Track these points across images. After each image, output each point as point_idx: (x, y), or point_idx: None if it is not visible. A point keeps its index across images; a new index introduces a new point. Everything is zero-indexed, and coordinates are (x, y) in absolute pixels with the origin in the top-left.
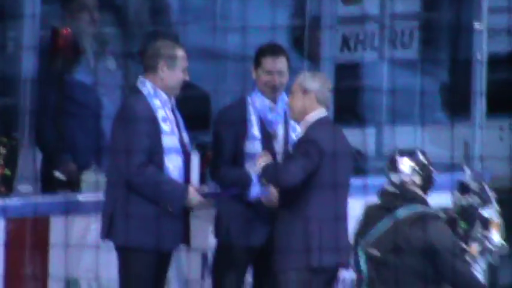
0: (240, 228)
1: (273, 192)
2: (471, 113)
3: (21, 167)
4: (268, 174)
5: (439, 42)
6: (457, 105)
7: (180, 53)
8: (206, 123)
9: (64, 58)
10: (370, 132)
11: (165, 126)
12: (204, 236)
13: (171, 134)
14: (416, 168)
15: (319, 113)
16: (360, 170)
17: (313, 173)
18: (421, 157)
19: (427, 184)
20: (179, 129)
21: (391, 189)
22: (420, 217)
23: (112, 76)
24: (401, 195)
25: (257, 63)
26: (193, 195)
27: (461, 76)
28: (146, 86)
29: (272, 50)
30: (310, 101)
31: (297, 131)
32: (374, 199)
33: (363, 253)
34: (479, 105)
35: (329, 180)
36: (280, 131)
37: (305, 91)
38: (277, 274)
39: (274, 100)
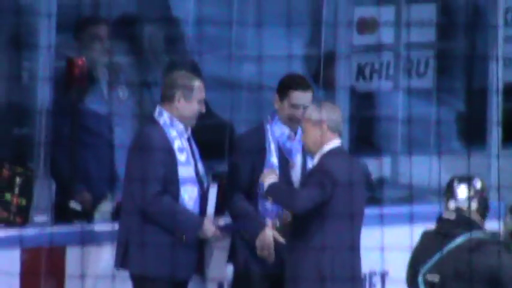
0: (257, 256)
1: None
2: (487, 142)
3: (36, 197)
4: (277, 195)
5: (454, 71)
6: (472, 134)
7: (197, 84)
8: (223, 152)
9: (78, 88)
10: (386, 161)
11: (181, 157)
12: (220, 265)
13: (186, 164)
14: (474, 194)
15: (333, 143)
16: (376, 199)
17: (325, 202)
18: (478, 184)
19: (484, 210)
20: (195, 160)
21: (448, 215)
22: (480, 243)
23: (125, 105)
24: (459, 221)
25: (283, 94)
26: (208, 227)
27: (476, 105)
28: (163, 116)
29: (301, 84)
30: (322, 132)
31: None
32: (390, 229)
33: (422, 280)
34: (495, 134)
35: (342, 210)
36: (298, 160)
37: (315, 123)
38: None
39: (295, 131)
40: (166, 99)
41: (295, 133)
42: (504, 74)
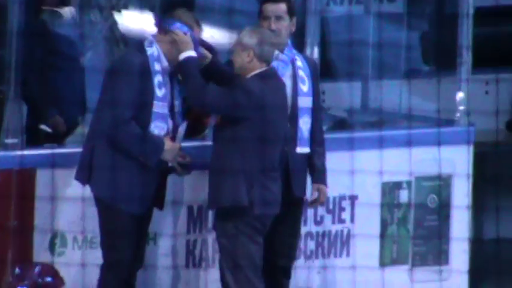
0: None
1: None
2: (457, 67)
3: (7, 120)
4: (189, 76)
5: None
6: (443, 59)
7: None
8: None
9: (50, 11)
10: (356, 86)
11: (158, 92)
12: (190, 190)
13: (162, 100)
14: None
15: (261, 69)
16: (346, 124)
17: (238, 119)
18: None
19: None
20: (172, 97)
21: None
22: None
23: (97, 29)
24: None
25: (260, 11)
26: (169, 147)
27: (447, 30)
28: (152, 47)
29: None
30: (249, 58)
31: (306, 83)
32: (360, 153)
33: None
34: (465, 59)
35: (268, 133)
36: (288, 83)
37: (244, 47)
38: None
39: (281, 50)
40: (162, 31)
41: (282, 51)
42: None
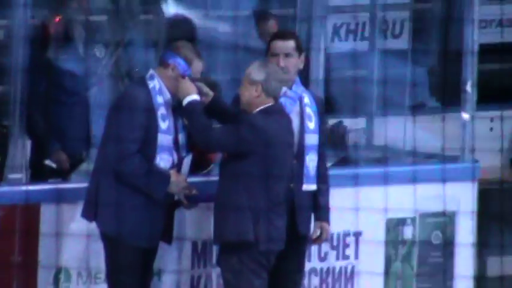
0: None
1: None
2: (462, 103)
3: (11, 156)
4: (193, 118)
5: (430, 33)
6: (447, 95)
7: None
8: None
9: (54, 46)
10: (361, 122)
11: (162, 124)
12: (195, 225)
13: (167, 132)
14: None
15: (267, 104)
16: (351, 160)
17: (243, 155)
18: None
19: None
20: (176, 130)
21: None
22: None
23: (101, 65)
24: None
25: (268, 49)
26: (176, 178)
27: (451, 66)
28: (154, 81)
29: (280, 33)
30: (257, 93)
31: (313, 120)
32: (364, 190)
33: None
34: (470, 96)
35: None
36: (295, 120)
37: (252, 82)
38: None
39: (289, 86)
40: (162, 63)
41: (290, 88)
42: (479, 35)
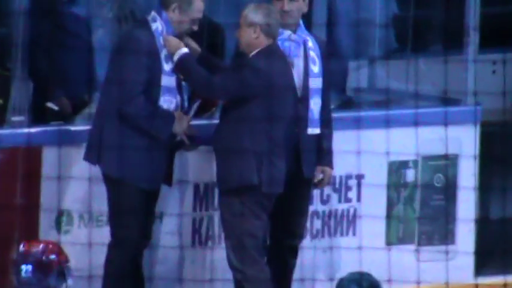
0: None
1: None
2: (464, 46)
3: (14, 98)
4: (190, 73)
5: None
6: (450, 39)
7: (197, 2)
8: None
9: None
10: (363, 65)
11: (166, 66)
12: (196, 168)
13: (170, 74)
14: None
15: (267, 44)
16: (353, 103)
17: (246, 98)
18: None
19: None
20: None
21: None
22: None
23: (106, 7)
24: None
25: None
26: (179, 117)
27: (454, 9)
28: (156, 22)
29: None
30: (255, 34)
31: (317, 63)
32: (366, 133)
33: None
34: (473, 39)
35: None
36: (300, 63)
37: (250, 24)
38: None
39: (293, 30)
40: (164, 5)
41: (294, 32)
42: None
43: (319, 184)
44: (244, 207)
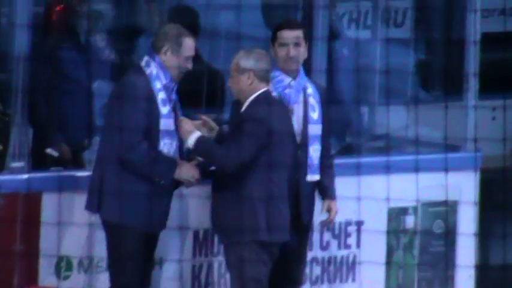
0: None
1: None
2: (464, 92)
3: (13, 144)
4: (207, 153)
5: (433, 22)
6: (450, 85)
7: (187, 40)
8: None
9: (57, 34)
10: (363, 111)
11: (163, 109)
12: (196, 214)
13: (168, 117)
14: None
15: (262, 90)
16: (353, 149)
17: (259, 153)
18: None
19: None
20: (176, 113)
21: None
22: None
23: (102, 53)
24: None
25: (273, 39)
26: (184, 167)
27: (454, 56)
28: (150, 67)
29: (287, 22)
30: (249, 80)
31: (316, 110)
32: (366, 179)
33: None
34: (473, 85)
35: (277, 159)
36: (299, 110)
37: (242, 71)
38: (228, 247)
39: (293, 77)
40: (155, 50)
41: (294, 78)
42: (481, 25)
43: (328, 220)
44: (252, 253)
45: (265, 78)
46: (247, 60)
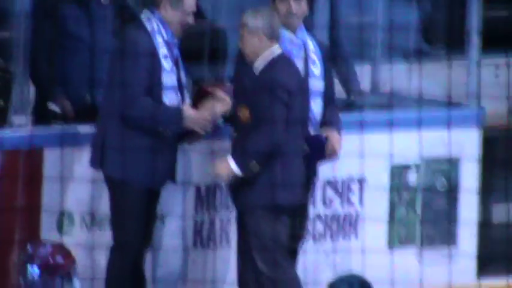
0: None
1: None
2: (466, 49)
3: (15, 99)
4: (258, 154)
5: None
6: (453, 42)
7: None
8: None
9: None
10: (366, 68)
11: (165, 64)
12: (198, 169)
13: (170, 72)
14: None
15: (273, 50)
16: (356, 106)
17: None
18: None
19: None
20: (178, 68)
21: None
22: None
23: (104, 10)
24: None
25: None
26: (189, 112)
27: (456, 12)
28: (151, 21)
29: None
30: (259, 40)
31: (317, 66)
32: (369, 136)
33: None
34: (475, 42)
35: (296, 116)
36: (299, 64)
37: (251, 30)
38: (244, 214)
39: (293, 32)
40: (155, 4)
41: (295, 33)
42: None
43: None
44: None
45: (274, 36)
46: (255, 20)
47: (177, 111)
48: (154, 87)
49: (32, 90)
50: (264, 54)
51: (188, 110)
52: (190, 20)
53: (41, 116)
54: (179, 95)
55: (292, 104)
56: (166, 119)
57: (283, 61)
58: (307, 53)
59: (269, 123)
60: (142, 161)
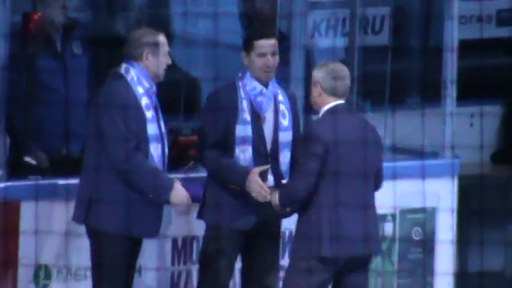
0: (229, 211)
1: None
2: (442, 99)
3: None
4: (284, 200)
5: (410, 29)
6: (427, 92)
7: (161, 38)
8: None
9: (35, 43)
10: None
11: (148, 114)
12: (175, 222)
13: (152, 121)
14: None
15: (331, 104)
16: None
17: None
18: None
19: None
20: (158, 117)
21: None
22: None
23: (79, 61)
24: None
25: (249, 47)
26: (179, 190)
27: (432, 63)
28: (130, 73)
29: (265, 32)
30: (317, 92)
31: (286, 118)
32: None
33: None
34: (450, 92)
35: (344, 168)
36: (270, 116)
37: (313, 82)
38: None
39: (265, 85)
40: (134, 57)
41: (266, 87)
42: (459, 32)
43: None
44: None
45: (331, 92)
46: (317, 72)
47: (169, 184)
48: (142, 139)
49: (7, 142)
50: (324, 108)
51: (179, 187)
52: (169, 60)
53: (17, 169)
54: (161, 143)
55: (332, 155)
56: (160, 186)
57: (335, 111)
58: (277, 105)
59: (300, 172)
60: (131, 212)
